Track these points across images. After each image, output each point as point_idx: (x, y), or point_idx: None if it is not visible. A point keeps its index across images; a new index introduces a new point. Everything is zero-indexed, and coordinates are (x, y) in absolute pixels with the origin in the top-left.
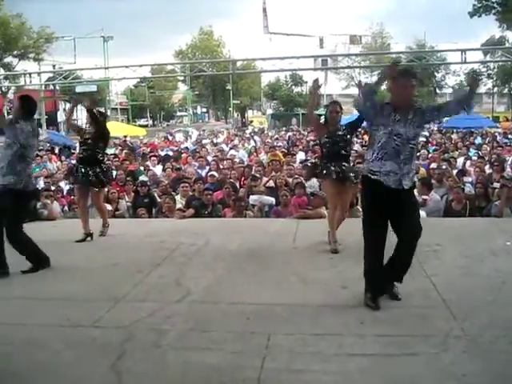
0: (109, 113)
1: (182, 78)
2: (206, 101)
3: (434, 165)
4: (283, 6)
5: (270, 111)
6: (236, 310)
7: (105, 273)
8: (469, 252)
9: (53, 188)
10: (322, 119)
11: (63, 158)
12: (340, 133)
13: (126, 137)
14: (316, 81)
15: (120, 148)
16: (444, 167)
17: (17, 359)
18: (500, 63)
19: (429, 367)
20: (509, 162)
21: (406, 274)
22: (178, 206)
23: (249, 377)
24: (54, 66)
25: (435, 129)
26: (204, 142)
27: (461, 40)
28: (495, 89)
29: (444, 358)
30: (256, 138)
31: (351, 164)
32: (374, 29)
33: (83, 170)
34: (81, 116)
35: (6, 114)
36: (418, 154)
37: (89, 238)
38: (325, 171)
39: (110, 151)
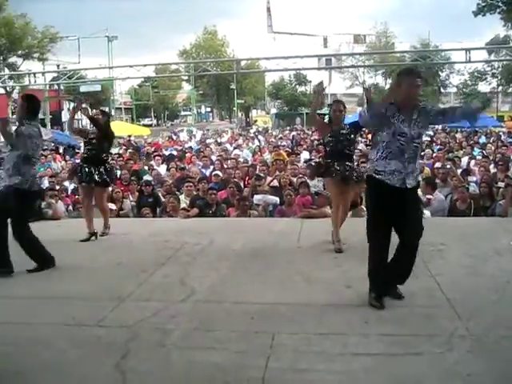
0: (113, 112)
1: (186, 78)
2: (210, 100)
3: (438, 164)
4: (287, 6)
5: (274, 111)
6: (240, 310)
7: (109, 272)
8: (473, 251)
9: (57, 187)
10: (326, 118)
11: (67, 157)
12: (344, 132)
13: (130, 136)
14: (320, 84)
15: (124, 148)
16: (448, 167)
17: (22, 358)
18: (504, 62)
19: (433, 367)
20: None
21: (411, 274)
22: (183, 205)
23: (253, 376)
24: (58, 66)
25: (440, 128)
26: (208, 141)
27: (465, 39)
28: (500, 88)
29: (448, 357)
30: (260, 137)
31: (355, 163)
32: (378, 28)
33: (87, 169)
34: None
35: (10, 114)
36: (423, 153)
37: (93, 238)
38: (328, 170)
39: (114, 151)
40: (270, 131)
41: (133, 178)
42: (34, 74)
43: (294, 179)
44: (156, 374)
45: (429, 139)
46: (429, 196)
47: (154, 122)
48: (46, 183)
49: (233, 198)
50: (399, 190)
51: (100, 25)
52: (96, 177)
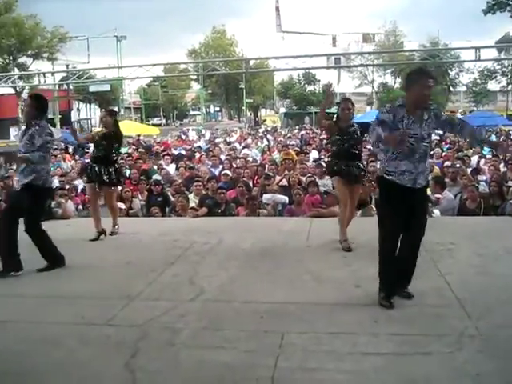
0: (122, 112)
1: (195, 77)
2: (219, 100)
3: (448, 163)
4: (296, 5)
5: (282, 110)
6: (249, 309)
7: (119, 271)
8: (483, 251)
9: (67, 187)
10: (335, 117)
11: (77, 157)
12: (351, 130)
13: (139, 136)
14: (329, 84)
15: (134, 147)
16: (458, 166)
17: (31, 357)
18: None
19: (443, 366)
20: None
21: (420, 273)
22: (192, 204)
23: (262, 376)
24: (67, 66)
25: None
26: (217, 140)
27: (474, 38)
28: (510, 86)
29: (458, 357)
30: (269, 136)
31: (364, 162)
32: (387, 27)
33: (96, 168)
34: (94, 115)
35: (20, 114)
36: (432, 152)
37: (102, 236)
38: (334, 169)
39: (123, 150)
40: (278, 130)
41: (142, 177)
42: (44, 73)
43: (303, 178)
44: (165, 373)
45: (438, 138)
46: (437, 195)
47: (163, 121)
48: (56, 182)
49: (242, 198)
50: (410, 189)
51: (109, 24)
52: (105, 177)
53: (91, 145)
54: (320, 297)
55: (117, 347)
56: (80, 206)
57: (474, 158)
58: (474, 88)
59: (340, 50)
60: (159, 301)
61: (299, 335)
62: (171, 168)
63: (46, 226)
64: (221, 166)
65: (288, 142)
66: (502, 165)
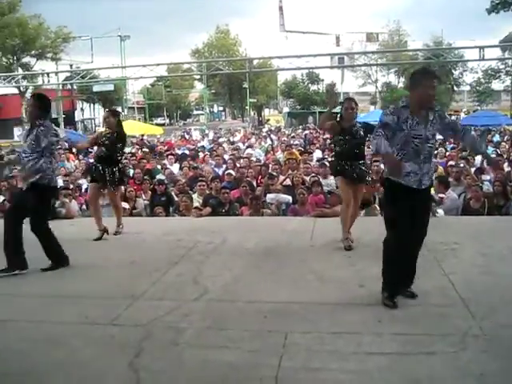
0: (126, 112)
1: (198, 77)
2: (223, 99)
3: (451, 163)
4: (299, 4)
5: (286, 109)
6: (253, 309)
7: (122, 271)
8: (487, 250)
9: (71, 186)
10: (338, 117)
11: (81, 156)
12: (354, 130)
13: (143, 136)
14: (332, 84)
15: (137, 147)
16: (462, 165)
17: (35, 357)
18: None
19: (447, 366)
20: None
21: (424, 272)
22: (195, 204)
23: (266, 375)
24: (71, 66)
25: None
26: (221, 140)
27: (478, 37)
28: None
29: (462, 356)
30: (272, 136)
31: (368, 162)
32: (391, 26)
33: (100, 168)
34: (97, 115)
35: (24, 114)
36: (436, 152)
37: (105, 234)
38: (338, 169)
39: (127, 150)
40: (282, 130)
41: (146, 177)
42: (48, 73)
43: (307, 178)
44: (169, 373)
45: (442, 138)
46: (441, 195)
47: (167, 121)
48: (60, 182)
49: (246, 197)
50: (415, 190)
51: (112, 24)
52: (108, 176)
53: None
54: (324, 296)
55: (121, 347)
56: (84, 206)
57: (478, 158)
58: (477, 87)
59: (343, 49)
60: (163, 300)
61: (303, 335)
62: (175, 168)
63: (50, 225)
64: (224, 166)
65: (291, 142)
66: (506, 164)
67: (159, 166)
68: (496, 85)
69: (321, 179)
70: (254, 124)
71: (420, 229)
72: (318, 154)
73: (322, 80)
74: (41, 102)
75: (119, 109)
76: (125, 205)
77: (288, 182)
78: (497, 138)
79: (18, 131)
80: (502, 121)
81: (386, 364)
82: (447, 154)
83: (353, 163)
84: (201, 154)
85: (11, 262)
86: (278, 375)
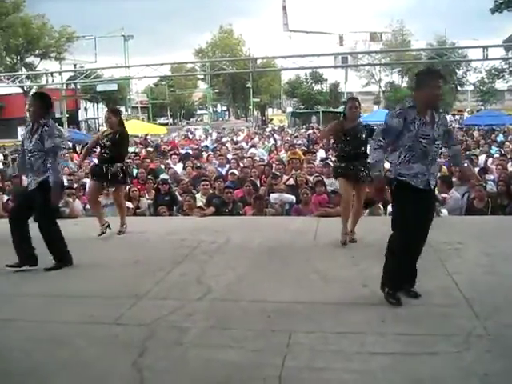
0: (129, 111)
1: (202, 77)
2: (226, 99)
3: None
4: (303, 4)
5: (289, 109)
6: (257, 308)
7: (126, 270)
8: (491, 250)
9: (75, 186)
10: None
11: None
12: (356, 131)
13: (146, 135)
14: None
15: (141, 146)
16: (466, 165)
17: (39, 356)
18: None
19: (450, 366)
20: None
21: (428, 272)
22: (199, 204)
23: (270, 375)
24: (75, 65)
25: (457, 126)
26: (224, 140)
27: (482, 37)
28: None
29: (466, 357)
30: (276, 136)
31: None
32: (394, 26)
33: (103, 167)
34: (101, 115)
35: (27, 113)
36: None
37: (108, 228)
38: (339, 172)
39: (130, 149)
40: (285, 130)
41: (149, 176)
42: (51, 73)
43: (311, 178)
44: (173, 372)
45: None
46: (444, 195)
47: (170, 120)
48: (64, 181)
49: (249, 197)
50: (422, 191)
51: (116, 24)
52: (109, 175)
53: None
54: (327, 296)
55: (124, 346)
56: (87, 206)
57: (482, 158)
58: (481, 87)
59: (347, 49)
60: (167, 300)
61: (306, 334)
62: (178, 167)
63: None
64: (228, 166)
65: (295, 142)
66: (509, 164)
67: (163, 166)
68: (500, 84)
69: (324, 179)
70: (258, 124)
71: (424, 228)
72: (321, 153)
73: (326, 80)
74: (43, 101)
75: (123, 108)
76: (128, 204)
77: (291, 181)
78: (500, 137)
79: (21, 131)
80: (506, 120)
81: (389, 364)
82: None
83: (355, 164)
84: (204, 154)
85: (22, 259)
86: (281, 375)
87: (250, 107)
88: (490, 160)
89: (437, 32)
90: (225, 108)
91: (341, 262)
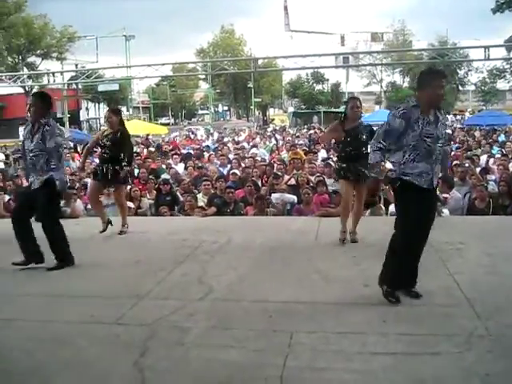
0: (131, 111)
1: (203, 77)
2: (228, 99)
3: (456, 162)
4: (304, 4)
5: (291, 109)
6: (258, 308)
7: (127, 270)
8: (492, 250)
9: (76, 186)
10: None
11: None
12: (357, 131)
13: (148, 135)
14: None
15: (142, 146)
16: (467, 165)
17: (40, 356)
18: None
19: (452, 366)
20: None
21: (429, 272)
22: (200, 204)
23: (271, 375)
24: (76, 65)
25: (458, 126)
26: (225, 140)
27: (483, 37)
28: None
29: (467, 357)
30: (277, 136)
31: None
32: (396, 26)
33: (104, 168)
34: (102, 115)
35: (28, 113)
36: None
37: (110, 225)
38: (341, 174)
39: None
40: (287, 130)
41: (151, 176)
42: (53, 73)
43: (312, 178)
44: (174, 372)
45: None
46: (445, 195)
47: (172, 120)
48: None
49: (250, 197)
50: (426, 190)
51: (117, 24)
52: (110, 176)
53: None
54: (328, 296)
55: (126, 346)
56: (89, 205)
57: (483, 158)
58: (482, 87)
59: (348, 49)
60: (168, 300)
61: (308, 334)
62: (180, 167)
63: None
64: (229, 166)
65: (296, 142)
66: (511, 164)
67: (164, 166)
68: (501, 84)
69: (326, 179)
70: (259, 124)
71: (426, 228)
72: (322, 153)
73: (327, 80)
74: (43, 100)
75: (124, 108)
76: (130, 204)
77: (293, 181)
78: (502, 137)
79: (23, 131)
80: (508, 120)
81: (390, 364)
82: (452, 153)
83: (355, 164)
84: (205, 154)
85: (27, 257)
86: (283, 375)
87: (252, 107)
88: (492, 160)
89: (438, 32)
90: (226, 108)
91: (342, 261)
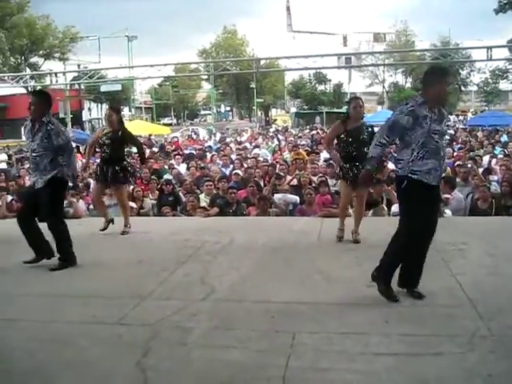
0: (133, 112)
1: (205, 77)
2: (230, 99)
3: (459, 163)
4: (307, 4)
5: (293, 109)
6: (260, 309)
7: (130, 270)
8: (495, 251)
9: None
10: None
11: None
12: (359, 131)
13: (150, 135)
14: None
15: (145, 146)
16: (469, 166)
17: (42, 356)
18: None
19: (454, 367)
20: None
21: (432, 273)
22: (203, 204)
23: (273, 375)
24: (78, 66)
25: (461, 127)
26: (228, 140)
27: (486, 37)
28: None
29: (470, 357)
30: (279, 136)
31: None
32: (398, 26)
33: (104, 168)
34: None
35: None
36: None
37: (111, 223)
38: (341, 173)
39: (135, 149)
40: (289, 130)
41: (153, 176)
42: (55, 73)
43: (314, 178)
44: (176, 372)
45: (449, 138)
46: (447, 195)
47: (174, 121)
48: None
49: (253, 197)
50: (433, 187)
51: (119, 25)
52: (110, 176)
53: None
54: (331, 296)
55: (128, 346)
56: (91, 206)
57: (486, 158)
58: (485, 88)
59: (351, 49)
60: (170, 300)
61: (310, 335)
62: (182, 168)
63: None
64: (231, 166)
65: (299, 142)
66: None
67: (166, 166)
68: (503, 85)
69: (328, 179)
70: (261, 124)
71: (431, 227)
72: (325, 154)
73: (330, 80)
74: (43, 98)
75: (126, 109)
76: (132, 204)
77: (295, 182)
78: (504, 138)
79: (23, 130)
80: (510, 121)
81: (393, 364)
82: (454, 154)
83: (357, 165)
84: (208, 154)
85: (37, 253)
86: (285, 375)
87: (254, 108)
88: (494, 161)
89: (441, 32)
90: (228, 108)
91: (344, 262)
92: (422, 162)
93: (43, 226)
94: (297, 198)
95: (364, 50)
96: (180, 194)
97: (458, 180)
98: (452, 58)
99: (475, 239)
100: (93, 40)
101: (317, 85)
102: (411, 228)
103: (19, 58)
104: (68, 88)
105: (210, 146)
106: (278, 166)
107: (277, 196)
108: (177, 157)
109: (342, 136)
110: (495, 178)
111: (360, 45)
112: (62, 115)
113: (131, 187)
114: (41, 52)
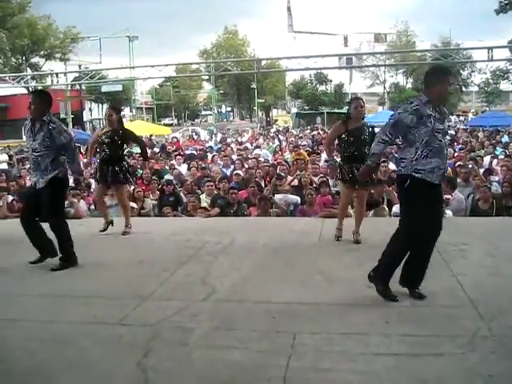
0: (134, 112)
1: (206, 78)
2: (231, 100)
3: (460, 163)
4: (307, 5)
5: (294, 110)
6: (261, 309)
7: (131, 271)
8: (495, 251)
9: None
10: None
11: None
12: (360, 131)
13: (151, 136)
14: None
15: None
16: (470, 166)
17: (43, 356)
18: None
19: (455, 367)
20: None
21: (433, 273)
22: (203, 204)
23: (274, 375)
24: (79, 66)
25: (461, 127)
26: (229, 140)
27: (486, 38)
28: None
29: (471, 358)
30: (280, 136)
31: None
32: (399, 27)
33: (104, 168)
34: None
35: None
36: None
37: (111, 225)
38: (342, 173)
39: (136, 150)
40: (290, 130)
41: (154, 177)
42: (56, 74)
43: (315, 178)
44: (177, 373)
45: (450, 139)
46: (447, 196)
47: (175, 121)
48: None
49: (254, 198)
50: (435, 186)
51: (120, 25)
52: (110, 176)
53: None
54: (332, 297)
55: (129, 347)
56: (92, 206)
57: (487, 159)
58: (486, 88)
59: (352, 50)
60: (171, 300)
61: (311, 335)
62: (183, 168)
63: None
64: (232, 166)
65: (299, 142)
66: None
67: (167, 167)
68: (504, 85)
69: (329, 180)
70: (262, 124)
71: (433, 227)
72: (326, 154)
73: (331, 80)
74: (43, 98)
75: (127, 109)
76: (133, 205)
77: (296, 182)
78: (505, 138)
79: (23, 130)
80: (511, 121)
81: (394, 365)
82: (455, 154)
83: (358, 166)
84: (209, 155)
85: (42, 252)
86: (286, 375)
87: (255, 108)
88: (495, 161)
89: (441, 33)
90: (229, 109)
91: (345, 262)
92: (425, 161)
93: (44, 226)
94: (298, 199)
95: (365, 51)
96: (181, 194)
97: (458, 180)
98: (453, 59)
99: (476, 240)
100: (94, 40)
101: (318, 85)
102: (412, 228)
103: (20, 59)
104: (69, 88)
105: (210, 147)
106: (278, 166)
107: (278, 196)
108: (178, 157)
109: (343, 136)
110: (496, 178)
111: (361, 45)
112: (62, 115)
113: (132, 187)
114: (42, 52)
